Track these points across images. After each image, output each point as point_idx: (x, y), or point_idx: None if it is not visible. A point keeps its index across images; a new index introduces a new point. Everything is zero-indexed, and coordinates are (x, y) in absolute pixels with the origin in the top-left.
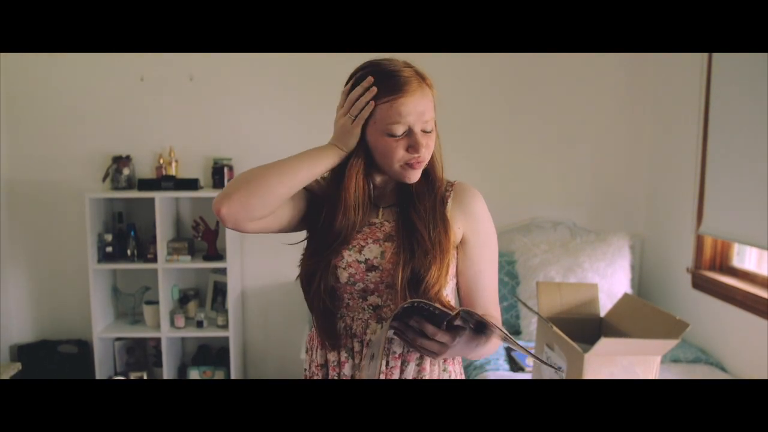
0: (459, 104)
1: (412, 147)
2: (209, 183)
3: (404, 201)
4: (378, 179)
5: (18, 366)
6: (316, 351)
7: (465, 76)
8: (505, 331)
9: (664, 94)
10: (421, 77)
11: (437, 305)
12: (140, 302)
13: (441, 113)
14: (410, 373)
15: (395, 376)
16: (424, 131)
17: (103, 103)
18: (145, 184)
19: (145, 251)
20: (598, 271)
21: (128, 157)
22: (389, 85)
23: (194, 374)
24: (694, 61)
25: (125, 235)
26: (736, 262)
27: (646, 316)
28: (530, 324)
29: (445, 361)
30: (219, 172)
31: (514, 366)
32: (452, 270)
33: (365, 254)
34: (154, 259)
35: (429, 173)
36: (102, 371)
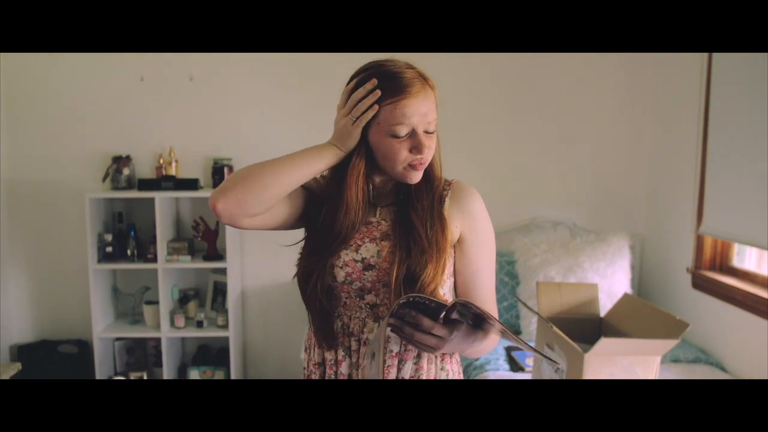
0: (459, 104)
1: (416, 148)
2: (209, 183)
3: (402, 200)
4: (377, 179)
5: (18, 366)
6: (314, 350)
7: (465, 76)
8: (503, 326)
9: (664, 94)
10: (424, 78)
11: (431, 298)
12: (140, 302)
13: (441, 113)
14: (407, 372)
15: (392, 374)
16: (426, 132)
17: (103, 103)
18: (145, 184)
19: (145, 251)
20: (598, 271)
21: (128, 157)
22: (393, 86)
23: (194, 374)
24: (694, 61)
25: (125, 235)
26: (736, 262)
27: (646, 316)
28: (530, 324)
29: (442, 359)
30: (219, 172)
31: (514, 366)
32: (449, 269)
33: (362, 253)
34: (154, 259)
35: (428, 172)
36: (102, 371)
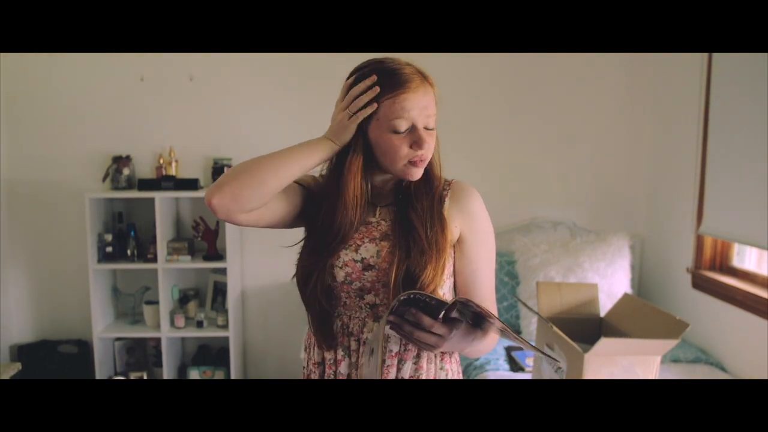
0: (459, 104)
1: (416, 143)
2: (209, 183)
3: (402, 199)
4: (377, 179)
5: (18, 366)
6: (314, 349)
7: (465, 76)
8: (503, 324)
9: (664, 94)
10: (423, 75)
11: (432, 295)
12: (140, 302)
13: (441, 113)
14: (407, 372)
15: (392, 374)
16: (426, 128)
17: (103, 103)
18: (145, 184)
19: (145, 251)
20: (598, 271)
21: (128, 157)
22: (392, 81)
23: (194, 374)
24: (694, 61)
25: (125, 235)
26: (736, 262)
27: (646, 316)
28: (530, 324)
29: (442, 359)
30: (219, 172)
31: (514, 366)
32: (449, 269)
33: (361, 253)
34: (154, 259)
35: (428, 172)
36: (102, 371)
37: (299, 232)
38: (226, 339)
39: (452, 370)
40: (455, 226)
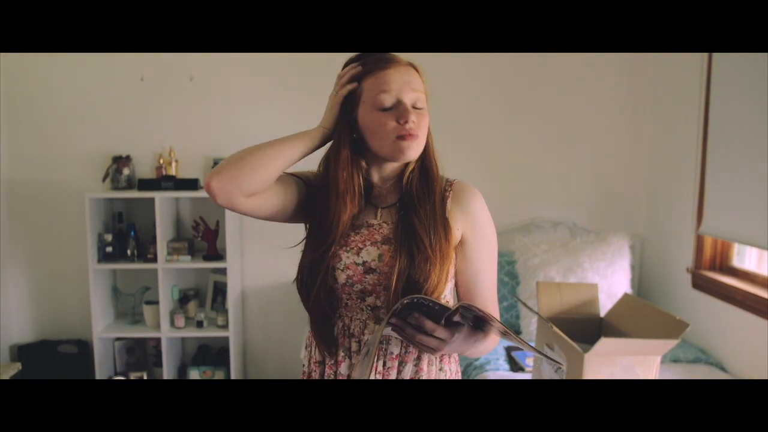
0: (459, 104)
1: (402, 117)
2: None
3: (404, 203)
4: (376, 177)
5: (18, 366)
6: (314, 348)
7: (465, 76)
8: (505, 327)
9: (664, 94)
10: (409, 62)
11: (434, 300)
12: (140, 302)
13: (442, 113)
14: (408, 374)
15: (392, 376)
16: (415, 107)
17: (103, 103)
18: (145, 184)
19: (145, 251)
20: (598, 271)
21: (128, 157)
22: (376, 62)
23: (194, 374)
24: (694, 61)
25: (125, 235)
26: (736, 262)
27: (646, 316)
28: (530, 324)
29: (441, 360)
30: None
31: (514, 366)
32: (451, 271)
33: (363, 257)
34: (154, 259)
35: (427, 169)
36: (102, 371)
37: (300, 233)
38: (226, 339)
39: (451, 371)
40: (457, 228)
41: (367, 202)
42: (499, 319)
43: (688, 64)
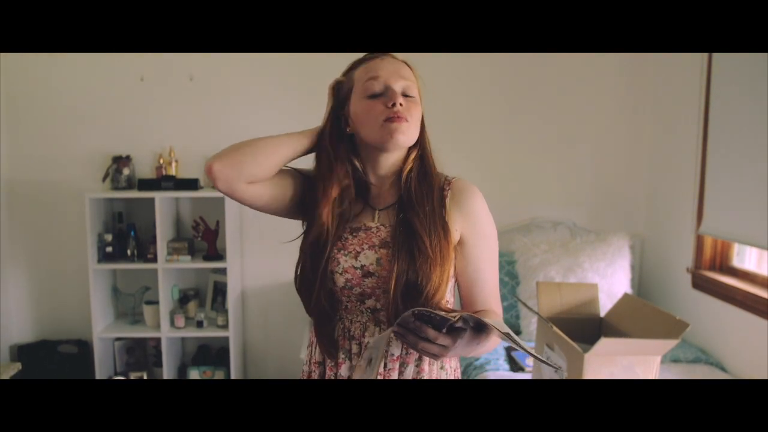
0: (459, 104)
1: (390, 99)
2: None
3: (403, 204)
4: (372, 177)
5: (18, 366)
6: (315, 348)
7: (465, 76)
8: (507, 329)
9: (664, 94)
10: (403, 60)
11: (438, 312)
12: (140, 302)
13: (442, 113)
14: (409, 375)
15: (394, 377)
16: (405, 95)
17: (103, 103)
18: (145, 184)
19: (145, 251)
20: (598, 271)
21: (128, 157)
22: (367, 55)
23: (194, 374)
24: (694, 61)
25: (125, 235)
26: (736, 262)
27: (646, 316)
28: (530, 324)
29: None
30: None
31: (514, 366)
32: (451, 271)
33: (361, 260)
34: (154, 259)
35: (424, 167)
36: (102, 371)
37: (300, 230)
38: (226, 339)
39: (452, 368)
40: (456, 228)
41: (365, 204)
42: (502, 315)
43: (688, 64)
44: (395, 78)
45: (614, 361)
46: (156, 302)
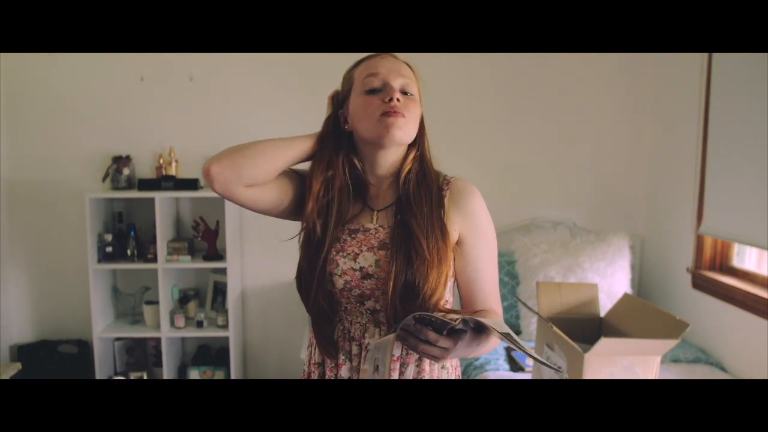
0: (459, 104)
1: (387, 94)
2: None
3: (401, 205)
4: (371, 176)
5: (18, 366)
6: (315, 349)
7: (465, 76)
8: (507, 329)
9: (664, 94)
10: (404, 61)
11: (439, 316)
12: (140, 302)
13: (442, 114)
14: (410, 375)
15: (394, 378)
16: (403, 92)
17: (103, 103)
18: (145, 184)
19: (145, 251)
20: (598, 271)
21: (128, 157)
22: (368, 55)
23: (194, 374)
24: (694, 61)
25: (125, 235)
26: (736, 262)
27: (646, 316)
28: (530, 324)
29: None
30: None
31: (514, 366)
32: (449, 272)
33: (360, 262)
34: (154, 259)
35: (425, 174)
36: (102, 371)
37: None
38: (226, 339)
39: (453, 366)
40: (454, 229)
41: (363, 205)
42: (502, 315)
43: (688, 64)
44: (394, 75)
45: (614, 361)
46: (156, 302)
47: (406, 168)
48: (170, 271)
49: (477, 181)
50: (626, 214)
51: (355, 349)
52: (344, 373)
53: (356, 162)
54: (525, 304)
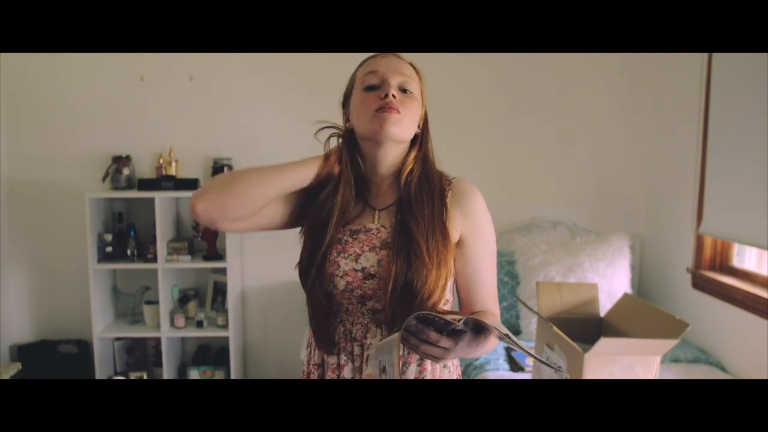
0: (459, 104)
1: (383, 91)
2: None
3: (402, 206)
4: (372, 175)
5: (18, 366)
6: (314, 350)
7: (465, 76)
8: (507, 330)
9: (664, 94)
10: (409, 62)
11: (440, 316)
12: (140, 302)
13: (442, 114)
14: (411, 374)
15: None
16: (402, 89)
17: (103, 103)
18: (145, 184)
19: (145, 251)
20: (598, 271)
21: (128, 157)
22: (372, 55)
23: (194, 374)
24: (694, 61)
25: (125, 235)
26: (736, 262)
27: (646, 316)
28: (530, 324)
29: None
30: (219, 172)
31: (514, 366)
32: (449, 274)
33: (362, 263)
34: (154, 259)
35: (428, 176)
36: (102, 371)
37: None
38: (226, 339)
39: (453, 365)
40: (455, 229)
41: (365, 205)
42: (499, 316)
43: (688, 64)
44: (393, 73)
45: (614, 361)
46: (156, 302)
47: (408, 167)
48: (170, 271)
49: (477, 181)
50: (626, 214)
51: (357, 350)
52: (347, 373)
53: (359, 160)
54: (525, 304)
